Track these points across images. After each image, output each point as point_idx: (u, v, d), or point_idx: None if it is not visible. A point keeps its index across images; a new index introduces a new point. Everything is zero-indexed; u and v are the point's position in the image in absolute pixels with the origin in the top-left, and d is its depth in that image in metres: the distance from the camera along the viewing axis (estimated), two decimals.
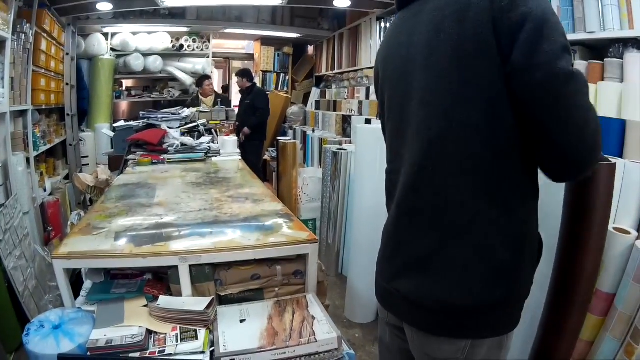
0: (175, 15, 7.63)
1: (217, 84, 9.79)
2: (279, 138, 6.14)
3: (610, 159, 1.60)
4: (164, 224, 2.19)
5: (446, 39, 1.21)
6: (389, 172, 1.54)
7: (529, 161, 1.23)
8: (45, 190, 5.06)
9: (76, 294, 1.98)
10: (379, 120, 1.67)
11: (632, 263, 2.06)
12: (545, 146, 1.18)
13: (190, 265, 1.85)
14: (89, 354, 1.57)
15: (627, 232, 2.16)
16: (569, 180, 1.71)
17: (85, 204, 4.98)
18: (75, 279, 2.25)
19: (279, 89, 9.20)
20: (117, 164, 4.28)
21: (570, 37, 2.60)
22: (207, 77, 7.50)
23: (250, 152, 6.54)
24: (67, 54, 6.42)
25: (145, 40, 7.77)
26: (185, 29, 8.10)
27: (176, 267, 1.85)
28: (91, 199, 4.09)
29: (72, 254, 1.86)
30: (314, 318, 1.78)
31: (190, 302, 1.81)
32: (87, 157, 6.92)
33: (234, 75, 8.87)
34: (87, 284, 2.03)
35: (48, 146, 5.37)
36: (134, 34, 7.73)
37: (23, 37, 4.36)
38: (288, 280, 2.02)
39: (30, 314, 3.20)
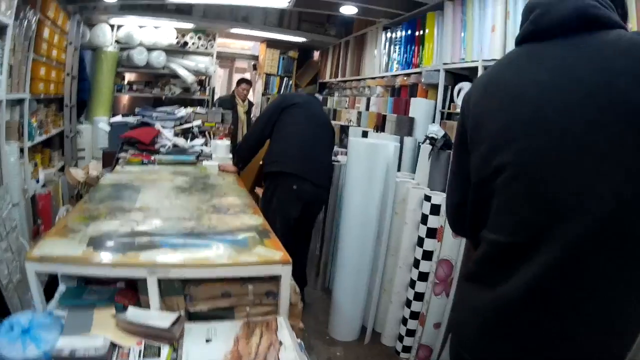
0: (182, 11, 7.58)
1: (220, 85, 9.72)
2: None
3: None
4: (139, 232, 2.15)
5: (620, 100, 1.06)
6: (507, 240, 1.21)
7: None
8: (38, 182, 4.99)
9: (53, 293, 1.98)
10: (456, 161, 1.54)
11: None
12: None
13: (159, 278, 1.82)
14: None
15: None
16: None
17: (78, 196, 4.98)
18: (53, 278, 2.23)
19: (281, 93, 9.14)
20: (110, 160, 4.23)
21: None
22: (245, 81, 7.50)
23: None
24: (71, 43, 6.31)
25: (151, 34, 7.72)
26: (191, 26, 8.03)
27: (145, 278, 1.82)
28: (81, 194, 4.07)
29: (44, 258, 1.82)
30: (281, 344, 1.72)
31: (157, 316, 1.76)
32: (84, 149, 6.83)
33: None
34: (62, 287, 2.01)
35: (44, 137, 5.28)
36: (140, 27, 7.66)
37: (25, 24, 4.28)
38: (260, 300, 1.97)
39: (13, 308, 3.15)
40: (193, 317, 1.91)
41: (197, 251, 1.98)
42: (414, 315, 3.46)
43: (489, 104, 1.33)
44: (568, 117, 1.12)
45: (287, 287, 1.97)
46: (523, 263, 1.14)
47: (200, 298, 1.90)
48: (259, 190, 4.01)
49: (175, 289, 1.86)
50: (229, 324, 1.87)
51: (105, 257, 1.87)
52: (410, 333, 3.51)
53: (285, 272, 1.95)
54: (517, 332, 1.17)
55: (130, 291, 1.93)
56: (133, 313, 1.77)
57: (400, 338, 3.59)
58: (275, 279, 1.97)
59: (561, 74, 1.17)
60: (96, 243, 1.98)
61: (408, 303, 3.49)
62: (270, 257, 1.98)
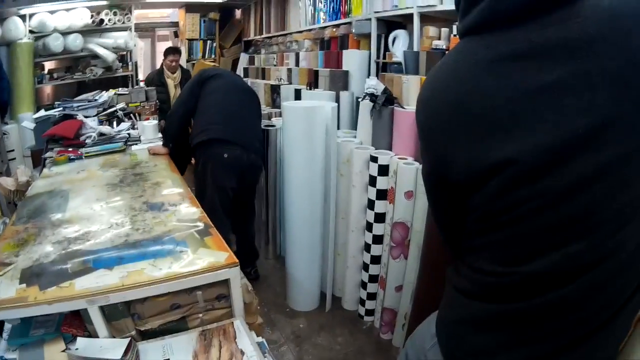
0: None
1: (142, 58, 9.34)
2: None
3: None
4: (71, 253, 2.00)
5: None
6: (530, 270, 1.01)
7: None
8: None
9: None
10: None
11: None
12: None
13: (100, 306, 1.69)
14: None
15: None
16: None
17: (14, 204, 4.78)
18: None
19: (206, 57, 8.93)
20: (40, 158, 4.08)
21: None
22: (173, 51, 6.50)
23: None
24: None
25: (64, 18, 7.28)
26: (104, 2, 7.64)
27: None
28: (15, 203, 3.89)
29: None
30: (242, 353, 1.63)
31: (108, 345, 1.65)
32: (13, 150, 6.51)
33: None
34: (7, 325, 1.87)
35: None
36: (52, 12, 7.19)
37: None
38: (212, 305, 1.88)
39: None
40: (146, 334, 1.81)
41: (135, 266, 1.85)
42: (373, 279, 3.43)
43: (481, 137, 1.01)
44: (610, 124, 0.89)
45: (238, 289, 1.87)
46: (551, 287, 0.99)
47: (148, 315, 1.79)
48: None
49: (121, 312, 1.75)
50: (185, 338, 1.77)
51: (40, 294, 1.71)
52: (372, 296, 3.49)
53: (234, 275, 1.84)
54: (533, 341, 1.06)
55: (76, 318, 1.81)
56: (83, 345, 1.66)
57: (362, 302, 3.58)
58: (224, 281, 1.87)
59: (575, 68, 0.90)
60: (29, 277, 1.82)
61: (365, 267, 3.46)
62: (215, 261, 1.86)
